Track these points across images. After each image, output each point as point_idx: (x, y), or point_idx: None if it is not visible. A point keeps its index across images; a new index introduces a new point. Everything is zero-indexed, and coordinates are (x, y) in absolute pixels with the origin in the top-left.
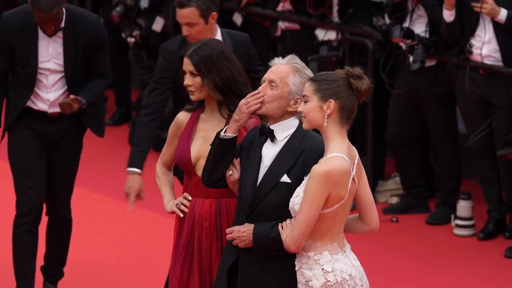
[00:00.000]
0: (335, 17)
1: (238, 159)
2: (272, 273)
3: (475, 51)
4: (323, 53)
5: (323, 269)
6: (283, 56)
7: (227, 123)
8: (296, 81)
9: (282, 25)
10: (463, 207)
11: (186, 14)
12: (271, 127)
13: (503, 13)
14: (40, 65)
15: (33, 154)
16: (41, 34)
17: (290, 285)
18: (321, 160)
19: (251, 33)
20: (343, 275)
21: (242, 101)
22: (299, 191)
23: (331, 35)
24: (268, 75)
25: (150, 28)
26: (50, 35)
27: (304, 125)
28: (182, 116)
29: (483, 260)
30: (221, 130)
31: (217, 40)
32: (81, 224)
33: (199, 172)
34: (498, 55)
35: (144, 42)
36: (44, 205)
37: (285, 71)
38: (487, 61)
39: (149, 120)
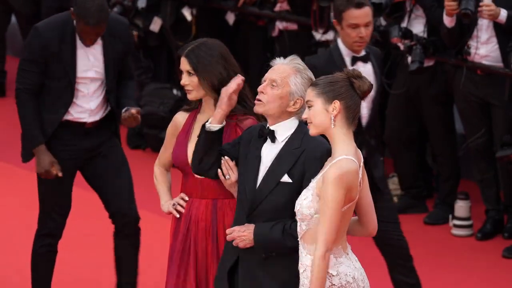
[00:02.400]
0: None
1: (234, 162)
2: (273, 273)
3: (474, 51)
4: None
5: (328, 272)
6: (281, 56)
7: (224, 125)
8: (297, 82)
9: (279, 25)
10: (461, 207)
11: (367, 13)
12: (271, 127)
13: (503, 14)
14: (80, 74)
15: (65, 177)
16: (79, 43)
17: (290, 285)
18: (330, 163)
19: (246, 34)
20: (347, 278)
21: (223, 89)
22: (307, 194)
23: (329, 36)
24: (269, 75)
25: (148, 29)
26: (89, 45)
27: (311, 131)
28: (180, 117)
29: (481, 260)
30: (207, 121)
31: (215, 40)
32: (79, 224)
33: None
34: (497, 55)
35: (142, 42)
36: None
37: (286, 71)
38: (486, 62)
39: None
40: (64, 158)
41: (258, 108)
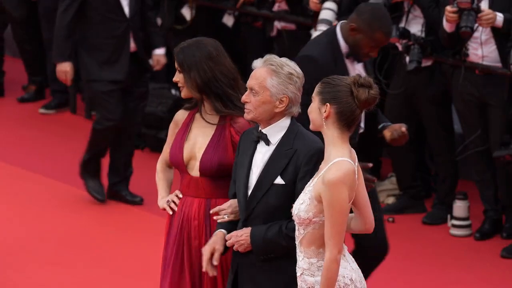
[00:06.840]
0: None
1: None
2: (272, 277)
3: (473, 51)
4: None
5: None
6: (280, 56)
7: (218, 127)
8: (274, 83)
9: (278, 25)
10: (459, 207)
11: None
12: (263, 131)
13: (499, 19)
14: None
15: None
16: (348, 63)
17: (289, 287)
18: (326, 166)
19: (245, 34)
20: (345, 280)
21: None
22: (304, 198)
23: None
24: (249, 82)
25: None
26: (367, 60)
27: (310, 126)
28: (180, 115)
29: (479, 260)
30: None
31: (211, 39)
32: (75, 224)
33: (191, 171)
34: (495, 55)
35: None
36: None
37: (262, 75)
38: (485, 62)
39: None
40: None
41: (246, 116)
